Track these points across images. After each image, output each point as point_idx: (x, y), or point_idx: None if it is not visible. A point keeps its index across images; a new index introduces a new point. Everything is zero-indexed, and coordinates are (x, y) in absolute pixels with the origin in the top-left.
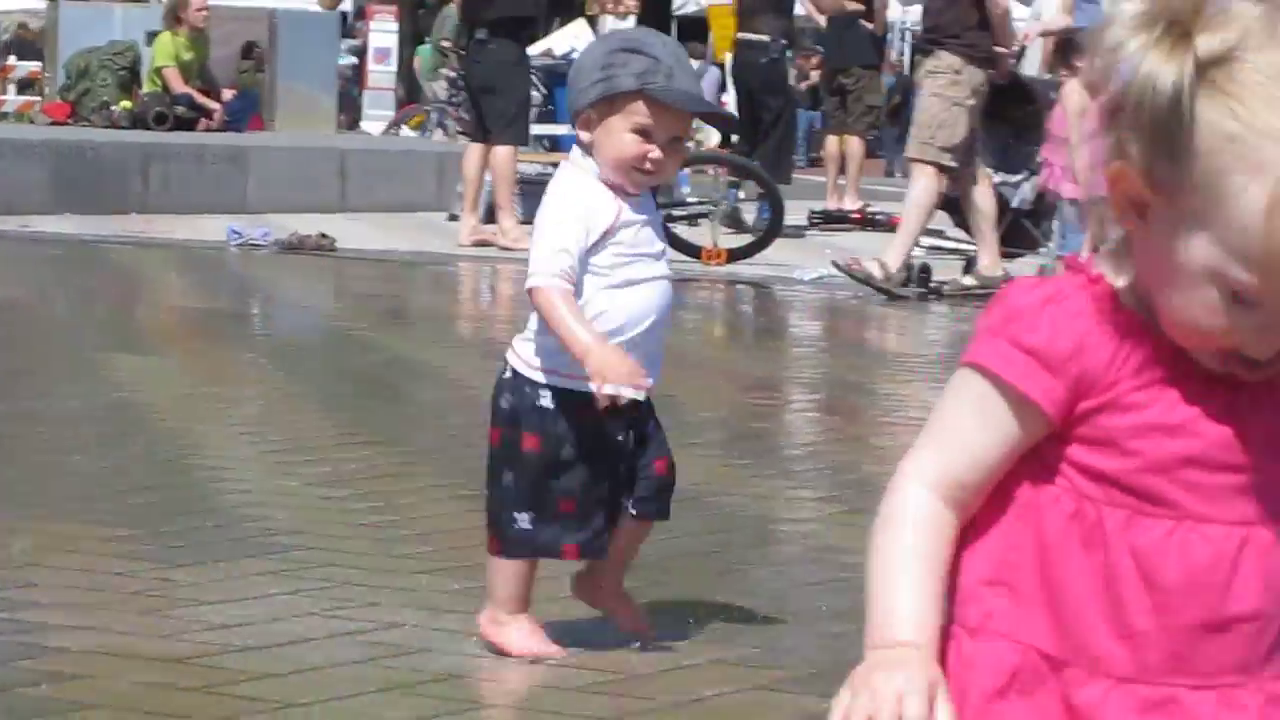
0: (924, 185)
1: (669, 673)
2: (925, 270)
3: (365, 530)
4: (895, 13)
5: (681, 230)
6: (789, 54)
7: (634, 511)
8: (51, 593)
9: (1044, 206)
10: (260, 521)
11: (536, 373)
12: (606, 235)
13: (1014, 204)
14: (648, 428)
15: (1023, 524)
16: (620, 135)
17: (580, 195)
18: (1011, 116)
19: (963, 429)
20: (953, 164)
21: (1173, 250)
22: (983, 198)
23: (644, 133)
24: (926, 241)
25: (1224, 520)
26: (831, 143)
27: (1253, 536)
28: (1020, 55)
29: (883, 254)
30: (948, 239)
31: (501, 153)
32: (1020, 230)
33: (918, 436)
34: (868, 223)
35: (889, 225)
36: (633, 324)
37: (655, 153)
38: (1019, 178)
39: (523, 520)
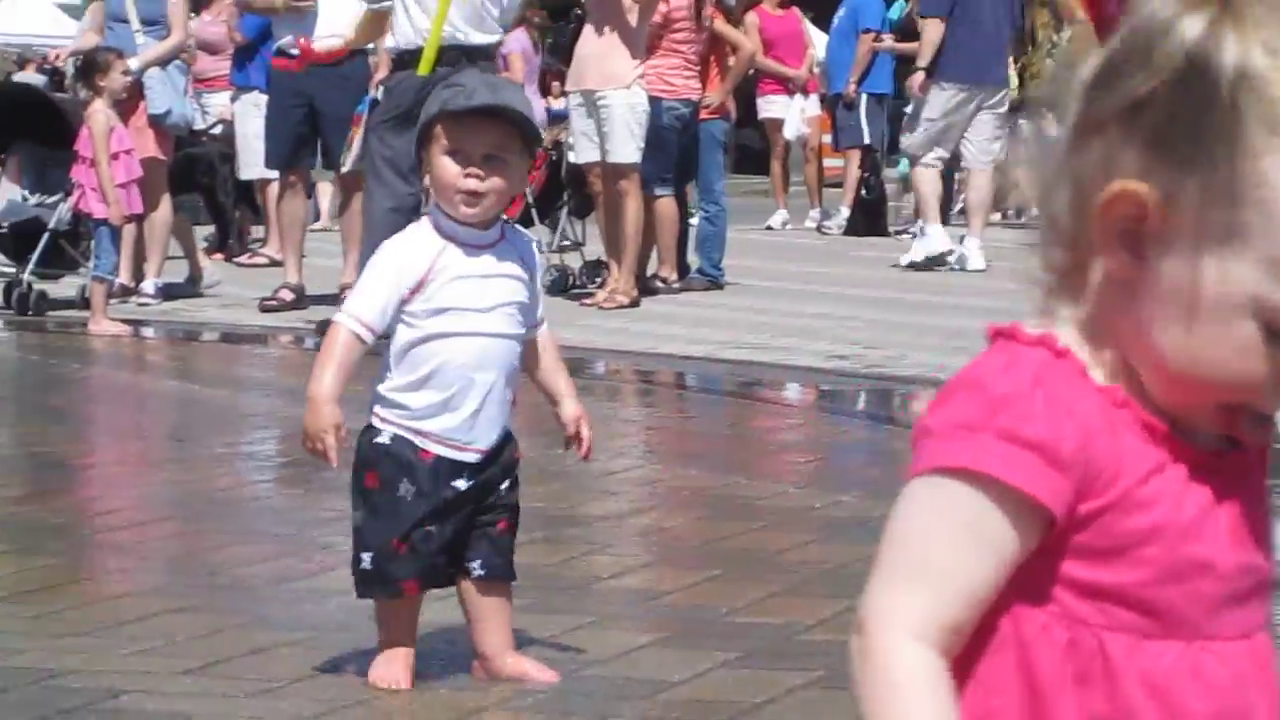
0: None
1: None
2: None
3: None
4: None
5: None
6: None
7: (481, 572)
8: None
9: (82, 227)
10: None
11: (375, 416)
12: (420, 286)
13: (51, 225)
14: (499, 487)
15: (1003, 661)
16: (436, 161)
17: (397, 247)
18: (46, 137)
19: (948, 557)
20: None
21: (1194, 282)
22: None
23: (454, 154)
24: None
25: (1229, 635)
26: None
27: (1251, 651)
28: (53, 74)
29: None
30: None
31: None
32: (60, 251)
33: (878, 569)
34: None
35: None
36: (446, 384)
37: (468, 171)
38: (56, 198)
39: (365, 560)
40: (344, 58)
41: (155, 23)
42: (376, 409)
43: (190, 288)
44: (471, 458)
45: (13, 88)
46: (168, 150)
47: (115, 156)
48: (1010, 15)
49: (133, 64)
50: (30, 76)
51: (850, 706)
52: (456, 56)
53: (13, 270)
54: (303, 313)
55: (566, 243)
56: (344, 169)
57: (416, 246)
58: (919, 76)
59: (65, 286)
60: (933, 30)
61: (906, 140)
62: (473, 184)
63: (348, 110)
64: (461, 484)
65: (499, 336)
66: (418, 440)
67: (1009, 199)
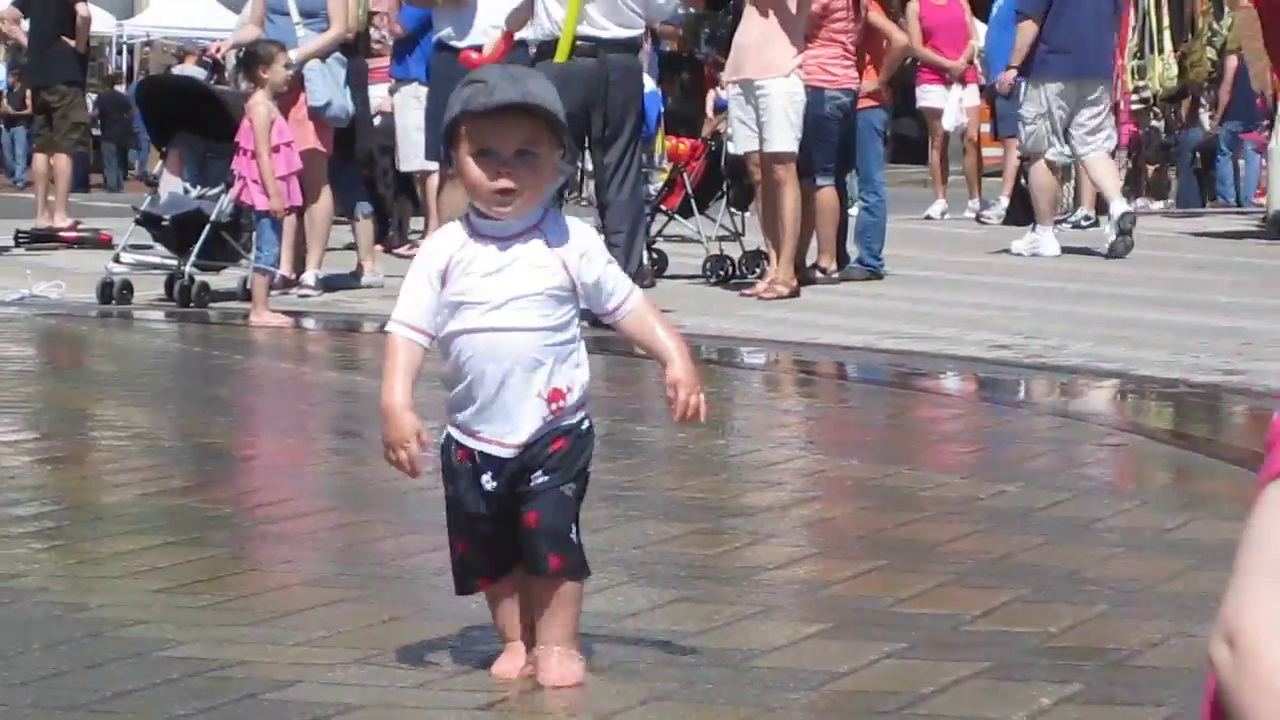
0: None
1: None
2: (128, 287)
3: None
4: (108, 26)
5: None
6: None
7: (529, 567)
8: None
9: (243, 219)
10: None
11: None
12: (444, 281)
13: (213, 217)
14: (529, 476)
15: None
16: (465, 163)
17: (426, 246)
18: (207, 129)
19: None
20: None
21: None
22: None
23: (483, 154)
24: (130, 259)
25: None
26: (39, 160)
27: None
28: (214, 67)
29: None
30: (154, 254)
31: None
32: (222, 243)
33: (1243, 577)
34: (77, 241)
35: (98, 241)
36: (465, 376)
37: (498, 170)
38: (217, 190)
39: (454, 557)
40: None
41: (315, 15)
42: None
43: (351, 280)
44: (496, 451)
45: (174, 80)
46: (327, 142)
47: (276, 149)
48: (1113, 3)
49: (293, 56)
50: (190, 69)
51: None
52: (593, 48)
53: (174, 262)
54: None
55: (726, 233)
56: None
57: (440, 244)
58: (1007, 76)
59: (227, 278)
60: (1026, 31)
61: (1021, 140)
62: (504, 183)
63: None
64: (488, 481)
65: (512, 330)
66: (459, 437)
67: (1169, 193)
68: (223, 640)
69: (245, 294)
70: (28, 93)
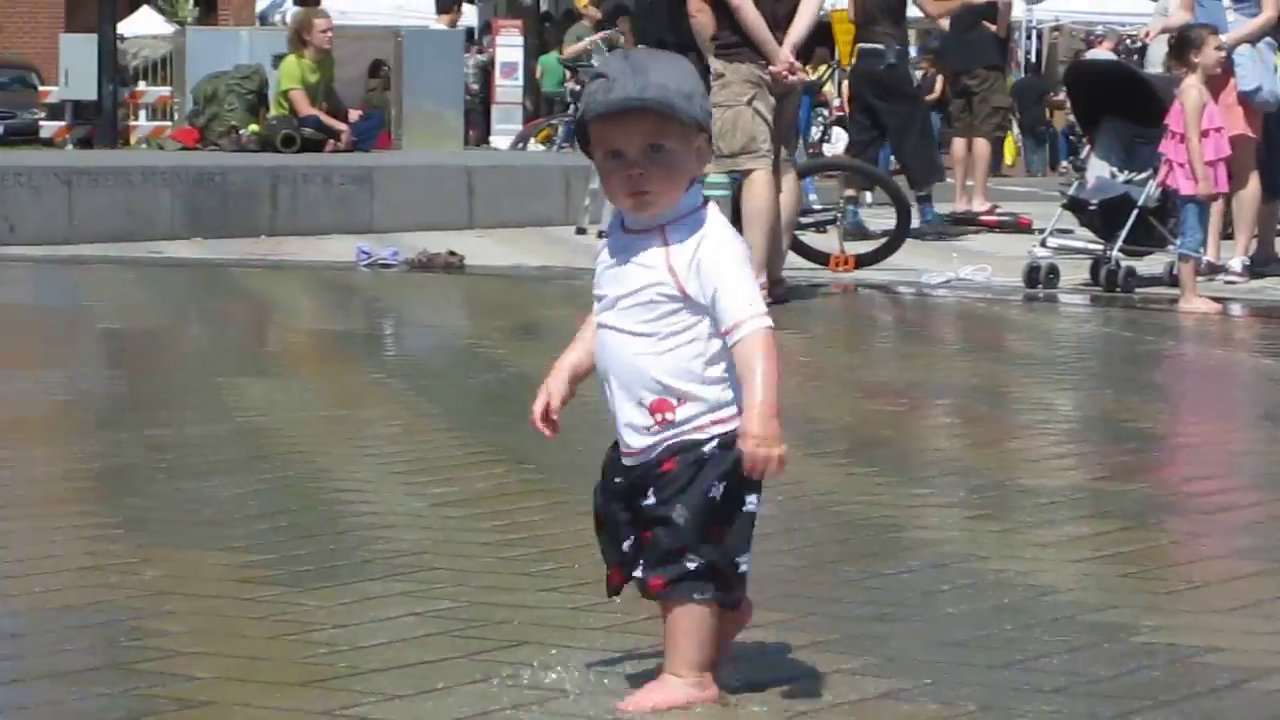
0: (751, 194)
1: (789, 683)
2: (1054, 271)
3: (492, 549)
4: (1019, 10)
5: (809, 237)
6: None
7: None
8: (181, 619)
9: (1169, 204)
10: (389, 543)
11: None
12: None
13: (1140, 202)
14: (641, 500)
15: None
16: (600, 165)
17: None
18: (1134, 114)
19: None
20: (754, 164)
21: None
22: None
23: (612, 155)
24: (1055, 243)
25: None
26: (958, 145)
27: None
28: (1142, 52)
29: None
30: (1077, 238)
31: None
32: (1148, 228)
33: None
34: (997, 225)
35: (1017, 226)
36: (599, 375)
37: (629, 172)
38: (1144, 175)
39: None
40: None
41: (1245, 0)
42: None
43: (1278, 267)
44: (626, 458)
45: (1103, 65)
46: (1256, 128)
47: (1205, 133)
48: None
49: (1223, 40)
50: (1101, 53)
51: None
52: None
53: (1100, 247)
54: None
55: None
56: None
57: (607, 232)
58: None
59: (1152, 264)
60: None
61: None
62: (636, 184)
63: None
64: (614, 475)
65: (614, 330)
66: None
67: None
68: (1192, 627)
69: (1172, 279)
70: (938, 79)
